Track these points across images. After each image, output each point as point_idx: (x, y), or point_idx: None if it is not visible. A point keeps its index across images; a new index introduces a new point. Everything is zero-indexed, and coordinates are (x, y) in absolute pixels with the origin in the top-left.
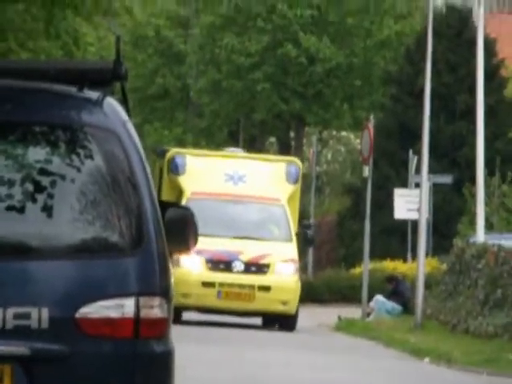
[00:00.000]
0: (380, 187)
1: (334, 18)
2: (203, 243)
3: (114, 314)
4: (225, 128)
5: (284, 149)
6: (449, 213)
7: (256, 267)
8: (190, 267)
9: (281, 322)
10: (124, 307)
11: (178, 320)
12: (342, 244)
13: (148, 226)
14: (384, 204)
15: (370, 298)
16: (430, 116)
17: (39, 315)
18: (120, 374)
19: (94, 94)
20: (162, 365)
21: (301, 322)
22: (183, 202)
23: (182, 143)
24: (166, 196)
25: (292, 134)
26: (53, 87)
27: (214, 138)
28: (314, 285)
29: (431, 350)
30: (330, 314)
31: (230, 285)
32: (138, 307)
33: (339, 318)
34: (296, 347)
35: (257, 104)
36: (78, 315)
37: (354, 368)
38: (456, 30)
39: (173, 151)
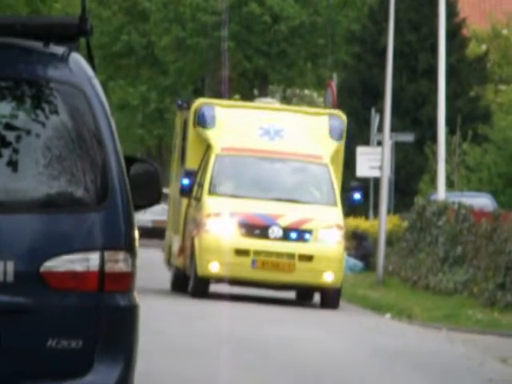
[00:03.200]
0: None
1: None
2: (235, 205)
3: (79, 267)
4: (190, 85)
5: None
6: (410, 171)
7: (296, 233)
8: (219, 232)
9: (323, 297)
10: (89, 261)
11: (203, 293)
12: None
13: (113, 181)
14: (347, 162)
15: None
16: (393, 75)
17: (4, 269)
18: (84, 326)
19: (59, 50)
20: (127, 318)
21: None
22: (212, 159)
23: (146, 101)
24: (192, 152)
25: (256, 92)
26: (19, 42)
27: (179, 95)
28: None
29: (392, 306)
30: None
31: (267, 253)
32: (102, 261)
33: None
34: (265, 302)
35: (222, 60)
36: (43, 269)
37: (316, 323)
38: None
39: (200, 101)
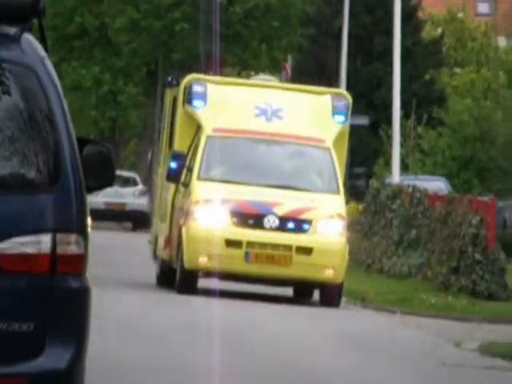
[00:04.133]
0: None
1: None
2: (227, 192)
3: (30, 249)
4: (143, 67)
5: None
6: (365, 154)
7: (294, 223)
8: (209, 221)
9: (322, 293)
10: (41, 243)
11: (191, 288)
12: None
13: (65, 163)
14: None
15: None
16: (348, 57)
17: None
18: (36, 309)
19: (11, 30)
20: (78, 300)
21: None
22: (202, 141)
23: (99, 82)
24: (181, 133)
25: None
26: None
27: (133, 77)
28: None
29: (347, 290)
30: None
31: (262, 245)
32: (54, 243)
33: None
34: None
35: (175, 44)
36: None
37: (270, 307)
38: None
39: (190, 77)
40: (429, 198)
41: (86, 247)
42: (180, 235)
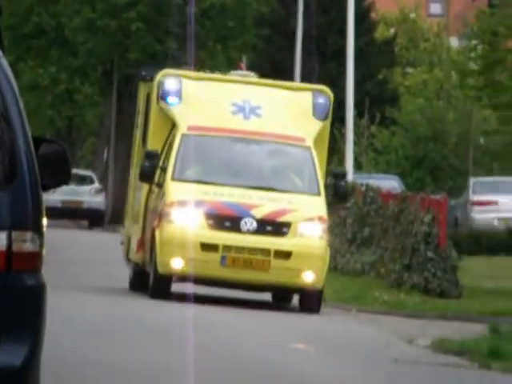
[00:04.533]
0: None
1: None
2: (203, 193)
3: None
4: (99, 67)
5: None
6: None
7: (272, 226)
8: (184, 223)
9: (302, 299)
10: None
11: (164, 293)
12: None
13: (21, 162)
14: None
15: None
16: (302, 57)
17: None
18: None
19: None
20: (34, 297)
21: None
22: (177, 139)
23: (55, 82)
24: (155, 131)
25: None
26: None
27: (89, 76)
28: None
29: None
30: None
31: (238, 248)
32: (10, 241)
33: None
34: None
35: (131, 44)
36: None
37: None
38: None
39: (164, 72)
40: (382, 197)
41: (41, 245)
42: (153, 238)
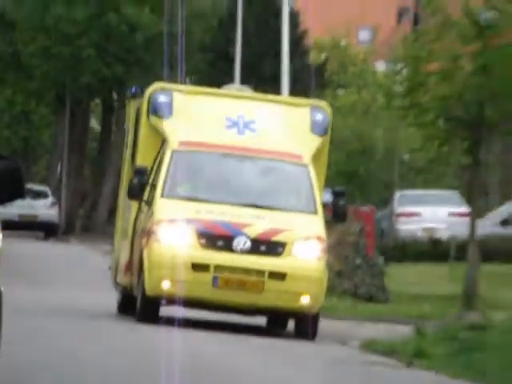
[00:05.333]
0: None
1: None
2: (194, 211)
3: None
4: (53, 89)
5: (107, 109)
6: None
7: (267, 246)
8: (174, 242)
9: (298, 323)
10: None
11: (153, 316)
12: None
13: None
14: None
15: None
16: (241, 80)
17: None
18: None
19: None
20: None
21: None
22: (167, 155)
23: (12, 104)
24: (145, 147)
25: (115, 96)
26: None
27: (43, 98)
28: None
29: None
30: None
31: (231, 269)
32: None
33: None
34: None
35: (83, 68)
36: None
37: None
38: (265, 2)
39: (155, 86)
40: None
41: None
42: (141, 258)
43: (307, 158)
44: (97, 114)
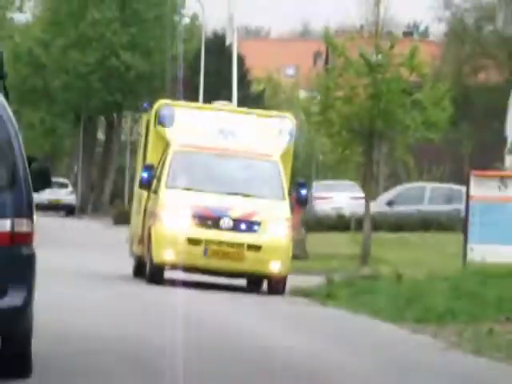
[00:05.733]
0: None
1: (141, 41)
2: (190, 198)
3: None
4: (72, 112)
5: (109, 125)
6: None
7: (246, 225)
8: (174, 222)
9: (270, 284)
10: (4, 226)
11: (159, 279)
12: None
13: (19, 174)
14: None
15: None
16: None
17: None
18: (2, 267)
19: None
20: (28, 261)
21: (119, 236)
22: (169, 155)
23: (43, 122)
24: (153, 149)
25: (115, 116)
26: None
27: (65, 118)
28: (128, 211)
29: None
30: None
31: (218, 242)
32: (12, 225)
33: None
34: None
35: (93, 96)
36: None
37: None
38: (223, 47)
39: (161, 102)
40: None
41: (32, 227)
42: (150, 235)
43: (277, 157)
44: (102, 128)
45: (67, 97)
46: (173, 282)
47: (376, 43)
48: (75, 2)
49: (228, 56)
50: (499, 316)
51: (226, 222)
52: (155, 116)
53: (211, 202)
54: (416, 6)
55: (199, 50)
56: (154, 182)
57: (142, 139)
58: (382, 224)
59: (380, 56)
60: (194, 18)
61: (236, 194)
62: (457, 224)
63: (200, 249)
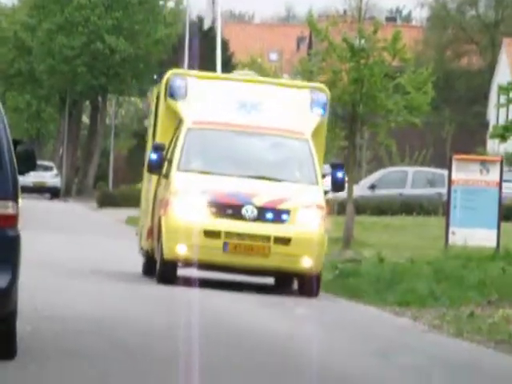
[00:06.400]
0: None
1: (126, 25)
2: (206, 182)
3: None
4: (57, 95)
5: (94, 109)
6: None
7: (273, 214)
8: (188, 211)
9: (300, 283)
10: None
11: (171, 277)
12: (132, 168)
13: (4, 156)
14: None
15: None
16: None
17: None
18: None
19: None
20: (14, 243)
21: (104, 218)
22: (182, 133)
23: (29, 105)
24: (163, 126)
25: (100, 99)
26: None
27: (51, 102)
28: (113, 194)
29: None
30: (123, 214)
31: (240, 235)
32: None
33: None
34: (102, 236)
35: (78, 80)
36: None
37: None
38: (207, 32)
39: (172, 72)
40: None
41: (17, 209)
42: (160, 226)
43: (308, 134)
44: (87, 112)
45: (52, 81)
46: (187, 281)
47: (359, 28)
48: None
49: (212, 40)
50: (480, 299)
51: (249, 211)
52: (165, 88)
53: (231, 187)
54: None
55: (183, 35)
56: (165, 164)
57: (152, 115)
58: (364, 208)
59: (363, 41)
60: (179, 2)
61: (260, 177)
62: (439, 208)
63: (219, 242)
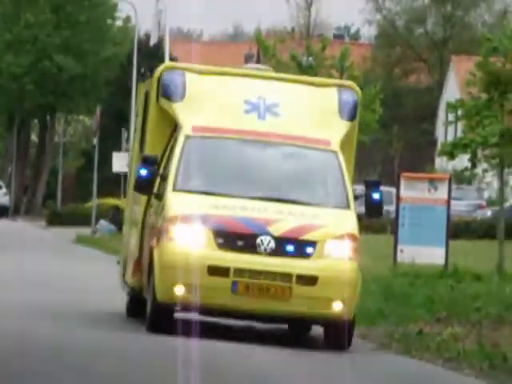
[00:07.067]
0: (102, 150)
1: (74, 44)
2: (210, 206)
3: None
4: (5, 114)
5: (43, 127)
6: None
7: (294, 246)
8: (188, 242)
9: (328, 332)
10: None
11: (165, 324)
12: (80, 187)
13: None
14: (106, 162)
15: (97, 221)
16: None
17: None
18: None
19: None
20: None
21: (53, 238)
22: (180, 142)
23: None
24: (155, 133)
25: (48, 118)
26: None
27: None
28: (61, 213)
29: None
30: (72, 233)
31: (253, 273)
32: None
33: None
34: (50, 255)
35: (27, 98)
36: None
37: (85, 266)
38: (154, 49)
39: (166, 66)
40: None
41: None
42: (151, 259)
43: (336, 144)
44: (35, 131)
45: (0, 99)
46: (186, 327)
47: (307, 45)
48: (9, 4)
49: (160, 58)
50: (429, 317)
51: (264, 243)
52: (158, 85)
53: (242, 211)
54: (347, 9)
55: (131, 53)
56: (157, 181)
57: (139, 120)
58: None
59: (311, 58)
60: (127, 20)
61: (279, 200)
62: (387, 225)
63: (226, 282)
